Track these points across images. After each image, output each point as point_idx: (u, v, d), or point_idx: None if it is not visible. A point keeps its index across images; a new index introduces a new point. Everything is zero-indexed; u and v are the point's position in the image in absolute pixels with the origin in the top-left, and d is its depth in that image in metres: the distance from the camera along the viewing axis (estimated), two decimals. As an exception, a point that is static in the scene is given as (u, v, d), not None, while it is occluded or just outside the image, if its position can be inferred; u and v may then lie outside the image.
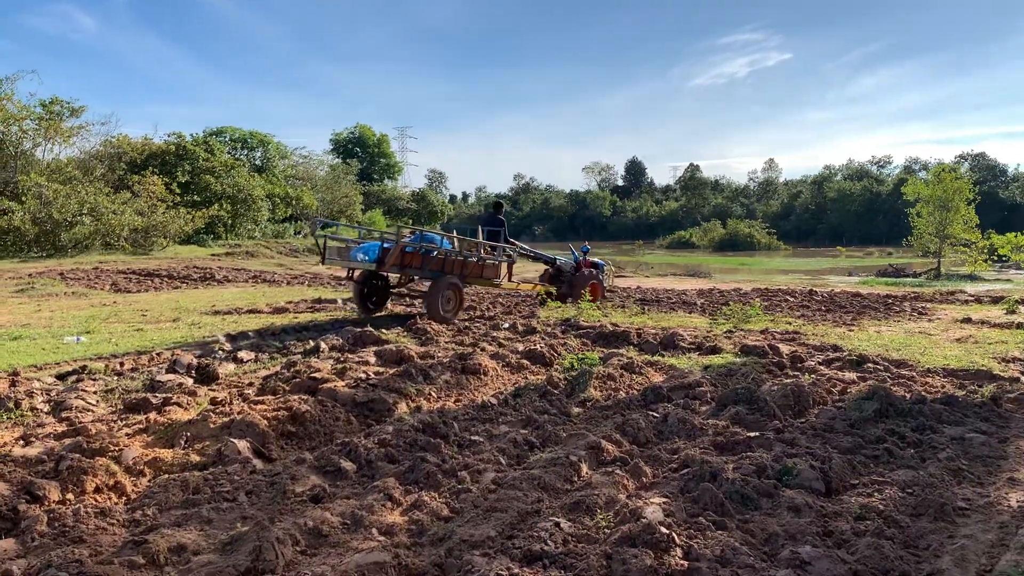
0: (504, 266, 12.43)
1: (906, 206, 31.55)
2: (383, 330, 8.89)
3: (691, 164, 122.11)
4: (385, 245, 10.53)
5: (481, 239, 12.13)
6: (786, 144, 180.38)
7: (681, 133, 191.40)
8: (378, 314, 11.49)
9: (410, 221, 72.04)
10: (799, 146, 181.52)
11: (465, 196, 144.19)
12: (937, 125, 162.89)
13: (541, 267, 18.97)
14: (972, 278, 25.33)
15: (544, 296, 13.59)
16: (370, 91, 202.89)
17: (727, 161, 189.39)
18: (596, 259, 15.59)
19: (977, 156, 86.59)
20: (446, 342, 8.42)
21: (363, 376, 6.09)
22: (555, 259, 14.77)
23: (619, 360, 7.06)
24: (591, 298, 14.30)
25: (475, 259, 11.54)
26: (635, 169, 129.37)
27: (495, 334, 8.98)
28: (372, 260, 10.48)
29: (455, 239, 11.63)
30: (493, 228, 12.83)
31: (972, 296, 17.07)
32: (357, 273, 11.54)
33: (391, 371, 6.39)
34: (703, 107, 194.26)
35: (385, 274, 11.38)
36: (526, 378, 6.72)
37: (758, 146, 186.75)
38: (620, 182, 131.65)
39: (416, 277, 11.36)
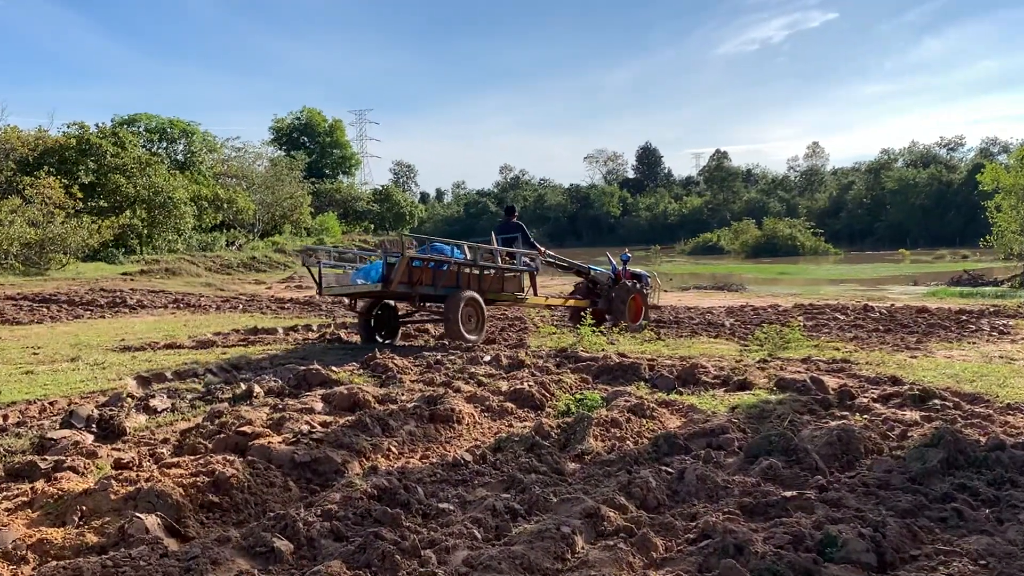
0: (526, 278, 12.84)
1: (984, 198, 31.80)
2: (333, 368, 8.87)
3: (717, 151, 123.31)
4: (391, 261, 11.17)
5: (497, 247, 12.80)
6: (834, 124, 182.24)
7: (704, 113, 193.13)
8: (346, 339, 11.50)
9: (371, 226, 72.36)
10: (850, 127, 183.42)
11: (440, 194, 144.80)
12: (1020, 97, 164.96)
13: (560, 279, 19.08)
14: (1066, 286, 25.53)
15: (582, 314, 13.87)
16: (319, 66, 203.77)
17: (762, 146, 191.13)
18: (639, 270, 15.80)
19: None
20: (412, 381, 8.42)
21: (306, 428, 6.06)
22: (589, 269, 15.07)
23: (626, 401, 7.07)
24: (633, 316, 14.54)
25: (493, 270, 12.27)
26: (649, 158, 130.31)
27: (473, 369, 9.00)
28: (376, 281, 11.16)
29: (466, 247, 12.28)
30: (510, 235, 13.25)
31: (1065, 309, 17.21)
32: (360, 302, 12.34)
33: (341, 420, 6.37)
34: (731, 81, 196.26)
35: (392, 298, 12.14)
36: (510, 426, 6.71)
37: (799, 127, 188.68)
38: (631, 174, 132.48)
39: (420, 301, 11.98)
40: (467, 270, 11.99)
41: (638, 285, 15.09)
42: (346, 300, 13.12)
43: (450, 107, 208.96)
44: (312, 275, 11.91)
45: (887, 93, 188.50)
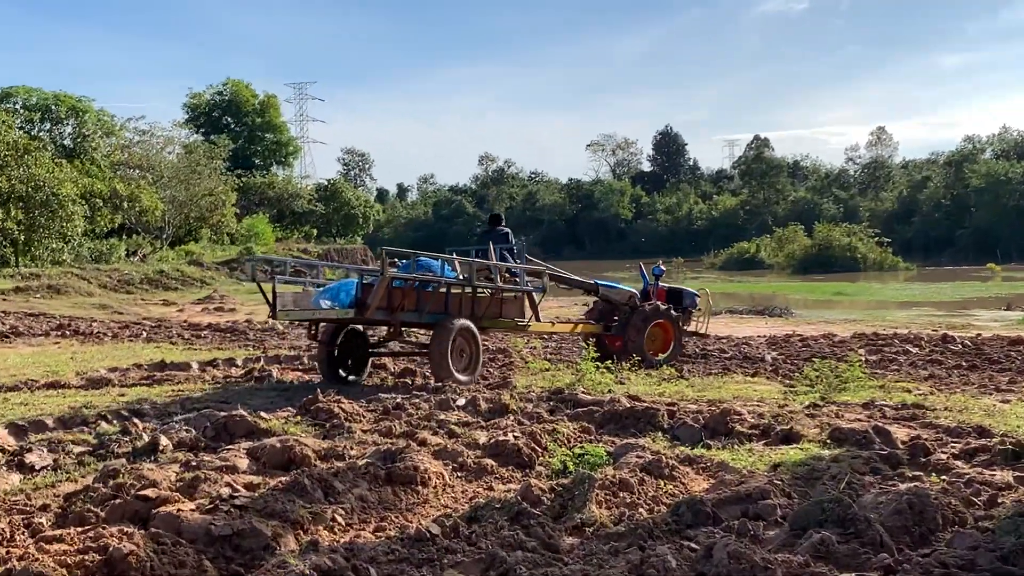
0: (526, 300, 13.38)
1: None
2: (263, 414, 8.85)
3: (756, 137, 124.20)
4: (366, 281, 11.61)
5: (495, 259, 13.14)
6: (905, 105, 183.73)
7: (740, 90, 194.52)
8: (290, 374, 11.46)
9: (314, 231, 72.22)
10: (925, 108, 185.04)
11: (402, 191, 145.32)
12: None
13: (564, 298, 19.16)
14: None
15: (585, 343, 14.00)
16: (248, 27, 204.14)
17: (813, 133, 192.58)
18: (684, 287, 15.80)
19: None
20: (364, 431, 8.45)
21: (226, 492, 6.03)
22: (596, 284, 15.18)
23: (639, 457, 7.07)
24: (659, 347, 14.50)
25: (490, 291, 12.63)
26: (669, 146, 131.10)
27: (443, 416, 9.00)
28: (347, 305, 11.52)
29: (457, 262, 12.62)
30: (503, 247, 13.57)
31: None
32: (322, 329, 12.62)
33: (272, 482, 6.35)
34: (773, 48, 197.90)
35: (366, 325, 12.62)
36: (490, 488, 6.71)
37: (861, 109, 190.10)
38: (646, 166, 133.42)
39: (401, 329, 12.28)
40: (458, 291, 12.25)
41: (667, 308, 14.92)
42: (279, 324, 13.22)
43: (416, 80, 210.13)
44: (263, 292, 11.96)
45: (972, 65, 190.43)
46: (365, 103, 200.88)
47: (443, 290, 12.08)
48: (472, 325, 12.08)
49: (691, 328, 15.80)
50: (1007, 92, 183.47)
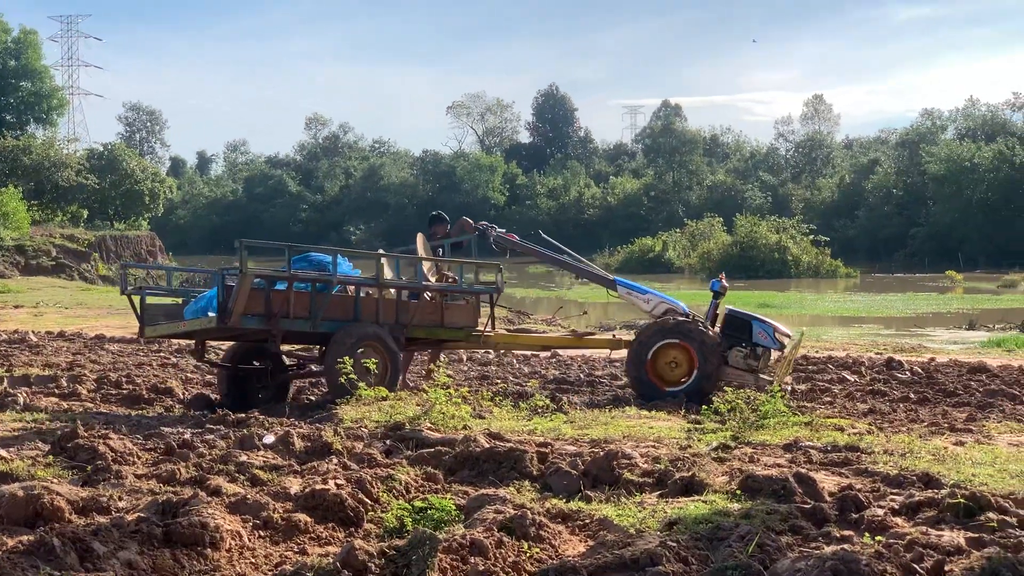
0: (473, 305, 13.98)
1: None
2: (2, 452, 8.67)
3: (665, 104, 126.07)
4: (229, 282, 11.91)
5: (424, 253, 13.69)
6: (849, 68, 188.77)
7: (644, 41, 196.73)
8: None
9: (84, 212, 70.67)
10: (872, 72, 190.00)
11: (205, 161, 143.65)
12: None
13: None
14: None
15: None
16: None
17: (736, 98, 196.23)
18: (756, 316, 15.31)
19: None
20: (138, 476, 8.33)
21: (-56, 558, 5.88)
22: (615, 281, 16.05)
23: (498, 512, 7.09)
24: (670, 379, 14.31)
25: (425, 293, 13.23)
26: (554, 111, 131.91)
27: (244, 458, 8.93)
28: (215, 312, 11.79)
29: (386, 261, 13.21)
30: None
31: None
32: (229, 349, 13.43)
33: (11, 543, 6.20)
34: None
35: (238, 338, 13.04)
36: (303, 553, 6.67)
37: (794, 70, 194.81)
38: (524, 136, 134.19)
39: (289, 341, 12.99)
40: (374, 293, 12.66)
41: (691, 325, 14.24)
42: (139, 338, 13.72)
43: (225, 16, 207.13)
44: (133, 306, 12.51)
45: (932, 20, 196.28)
46: (157, 45, 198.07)
47: (348, 292, 12.51)
48: (383, 332, 12.30)
49: (764, 374, 14.79)
50: (976, 54, 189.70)
